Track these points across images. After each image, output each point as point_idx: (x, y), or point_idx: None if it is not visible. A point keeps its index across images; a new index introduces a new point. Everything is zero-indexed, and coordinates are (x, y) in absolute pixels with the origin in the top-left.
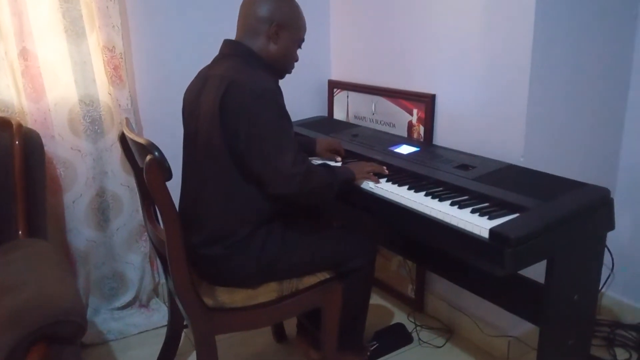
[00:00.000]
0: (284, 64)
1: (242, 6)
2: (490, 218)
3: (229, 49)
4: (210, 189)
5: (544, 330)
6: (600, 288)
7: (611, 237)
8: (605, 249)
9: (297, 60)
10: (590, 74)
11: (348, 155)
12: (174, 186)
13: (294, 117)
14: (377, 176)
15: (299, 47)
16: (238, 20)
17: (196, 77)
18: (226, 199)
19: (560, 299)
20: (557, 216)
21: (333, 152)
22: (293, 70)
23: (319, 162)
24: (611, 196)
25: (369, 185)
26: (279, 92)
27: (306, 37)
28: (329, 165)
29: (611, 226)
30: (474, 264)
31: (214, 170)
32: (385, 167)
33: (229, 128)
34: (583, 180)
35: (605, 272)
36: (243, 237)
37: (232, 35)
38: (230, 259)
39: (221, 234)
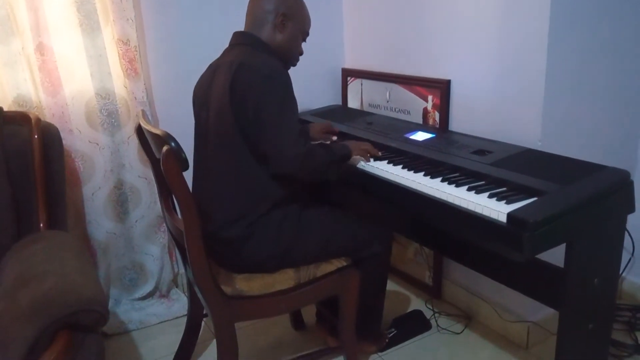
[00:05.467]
0: (289, 55)
1: (250, 1)
2: (507, 202)
3: (238, 39)
4: (224, 173)
5: (564, 314)
6: (620, 272)
7: (632, 221)
8: (626, 233)
9: (302, 53)
10: (609, 55)
11: (344, 136)
12: (189, 177)
13: (308, 106)
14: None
15: (304, 40)
16: (246, 15)
17: (207, 70)
18: (240, 180)
19: (580, 283)
20: (576, 199)
21: (327, 134)
22: (307, 60)
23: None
24: (631, 178)
25: (385, 172)
26: (286, 75)
27: (319, 25)
28: (326, 145)
29: (631, 209)
30: (492, 249)
31: (226, 153)
32: (378, 151)
33: (238, 107)
34: (602, 163)
35: (625, 257)
36: (259, 216)
37: None
38: (248, 240)
39: (238, 215)
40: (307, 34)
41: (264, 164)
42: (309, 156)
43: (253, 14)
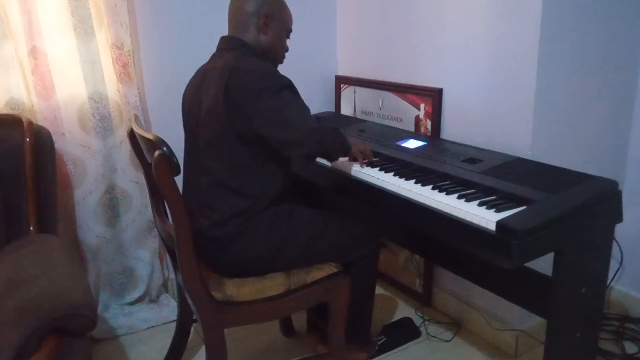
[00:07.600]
0: (276, 54)
1: (231, 4)
2: (497, 211)
3: (225, 43)
4: (215, 174)
5: (552, 323)
6: (609, 281)
7: (620, 231)
8: (615, 243)
9: (287, 50)
10: (599, 66)
11: None
12: (180, 181)
13: None
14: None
15: (288, 37)
16: (228, 18)
17: (195, 74)
18: (231, 180)
19: (568, 291)
20: (565, 208)
21: None
22: (300, 66)
23: None
24: (619, 188)
25: (377, 179)
26: (279, 73)
27: (313, 32)
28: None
29: (619, 218)
30: (481, 256)
31: (218, 155)
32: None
33: (235, 111)
34: (591, 173)
35: (614, 266)
36: (250, 216)
37: None
38: (239, 238)
39: (229, 214)
40: (291, 31)
41: (258, 164)
42: (323, 129)
43: (235, 17)
